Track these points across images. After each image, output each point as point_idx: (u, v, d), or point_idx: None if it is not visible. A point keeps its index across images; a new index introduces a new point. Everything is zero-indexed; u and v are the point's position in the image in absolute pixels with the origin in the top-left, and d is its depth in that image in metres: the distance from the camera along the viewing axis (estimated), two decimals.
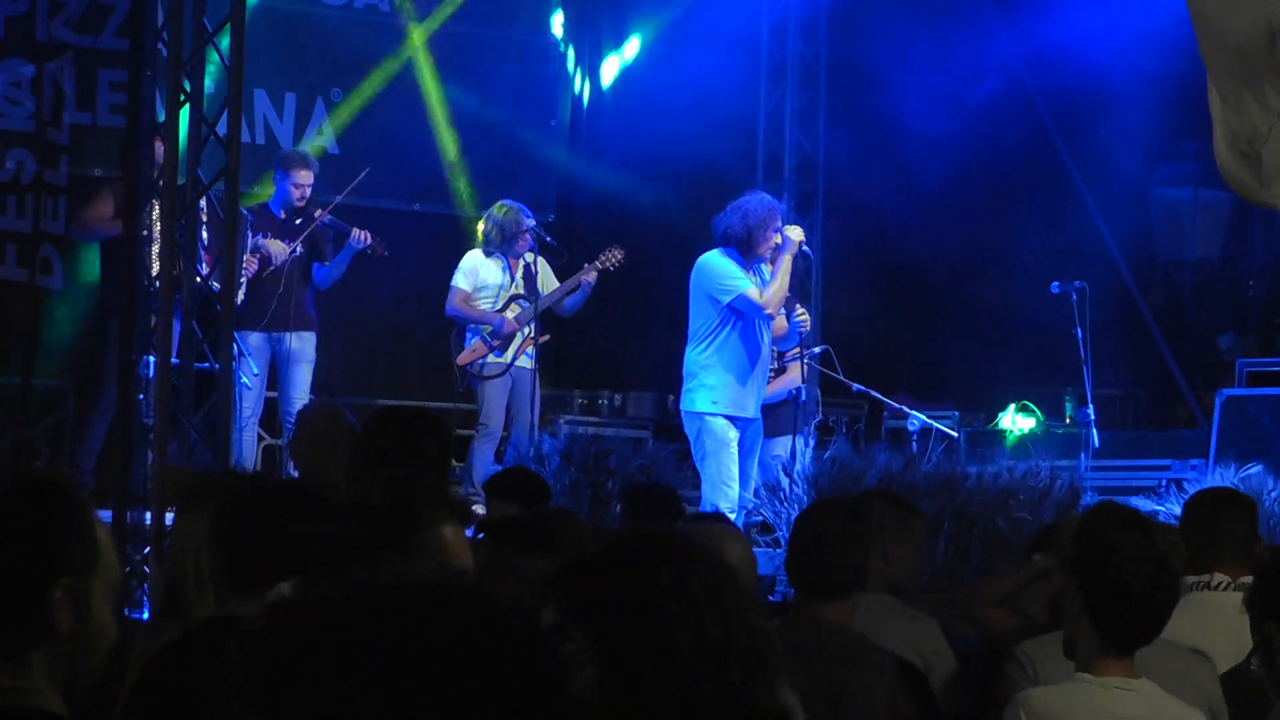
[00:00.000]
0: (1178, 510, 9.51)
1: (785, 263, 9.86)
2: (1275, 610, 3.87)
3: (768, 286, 9.83)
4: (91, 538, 2.37)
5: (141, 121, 9.05)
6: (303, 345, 10.95)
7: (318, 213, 11.03)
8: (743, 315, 9.83)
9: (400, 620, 1.64)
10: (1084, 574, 4.32)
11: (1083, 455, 11.32)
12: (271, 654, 1.64)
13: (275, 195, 11.11)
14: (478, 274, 11.21)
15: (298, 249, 10.91)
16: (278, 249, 10.81)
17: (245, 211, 10.41)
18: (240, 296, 10.15)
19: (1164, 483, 10.98)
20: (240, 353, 9.95)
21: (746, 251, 9.86)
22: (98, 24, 11.33)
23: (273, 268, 10.78)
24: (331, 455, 7.15)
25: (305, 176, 11.00)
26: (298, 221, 10.99)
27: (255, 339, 10.72)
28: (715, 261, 9.90)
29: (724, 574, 2.39)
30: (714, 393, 9.82)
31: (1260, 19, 6.15)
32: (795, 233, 9.99)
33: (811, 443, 10.50)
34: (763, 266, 10.01)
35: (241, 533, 3.75)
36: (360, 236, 10.99)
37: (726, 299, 9.82)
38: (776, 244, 9.91)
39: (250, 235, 10.68)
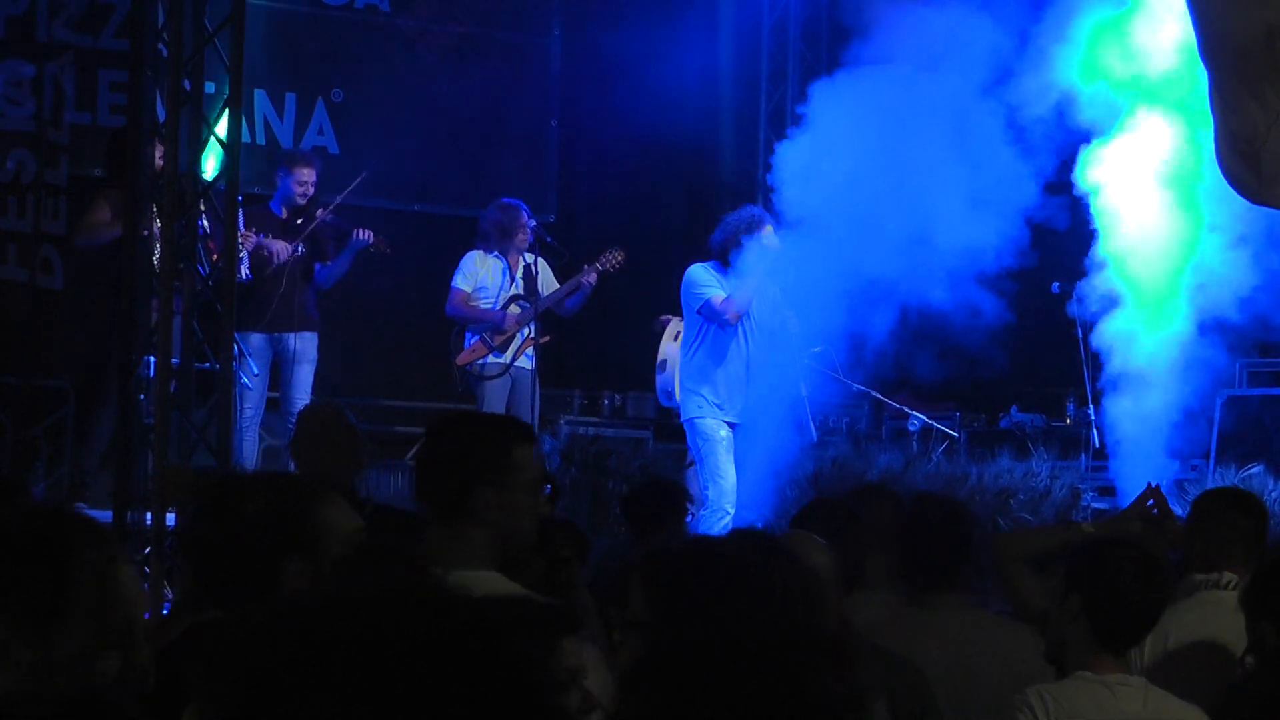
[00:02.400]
0: (1179, 511, 9.51)
1: (754, 276, 9.96)
2: (1268, 610, 3.89)
3: (730, 295, 9.94)
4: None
5: (141, 121, 9.05)
6: (305, 346, 10.95)
7: (319, 211, 11.03)
8: (715, 321, 9.99)
9: (374, 627, 1.64)
10: (1081, 575, 4.35)
11: (1083, 455, 11.32)
12: (248, 664, 1.65)
13: (277, 194, 11.10)
14: (477, 274, 11.22)
15: (300, 248, 10.91)
16: (280, 247, 10.81)
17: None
18: (243, 271, 10.14)
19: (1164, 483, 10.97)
20: (240, 353, 9.94)
21: (723, 256, 10.03)
22: (98, 24, 11.33)
23: (273, 268, 10.77)
24: (332, 454, 7.17)
25: (308, 174, 11.01)
26: (299, 221, 10.99)
27: (257, 340, 10.72)
28: (691, 272, 10.16)
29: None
30: (698, 396, 9.99)
31: (1260, 19, 6.15)
32: (770, 241, 10.05)
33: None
34: None
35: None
36: (363, 234, 11.02)
37: (695, 306, 10.00)
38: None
39: (253, 234, 10.67)
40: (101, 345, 10.15)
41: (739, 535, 2.83)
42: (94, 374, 10.36)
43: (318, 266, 11.06)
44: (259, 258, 10.73)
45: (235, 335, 9.31)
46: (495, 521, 3.92)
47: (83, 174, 11.10)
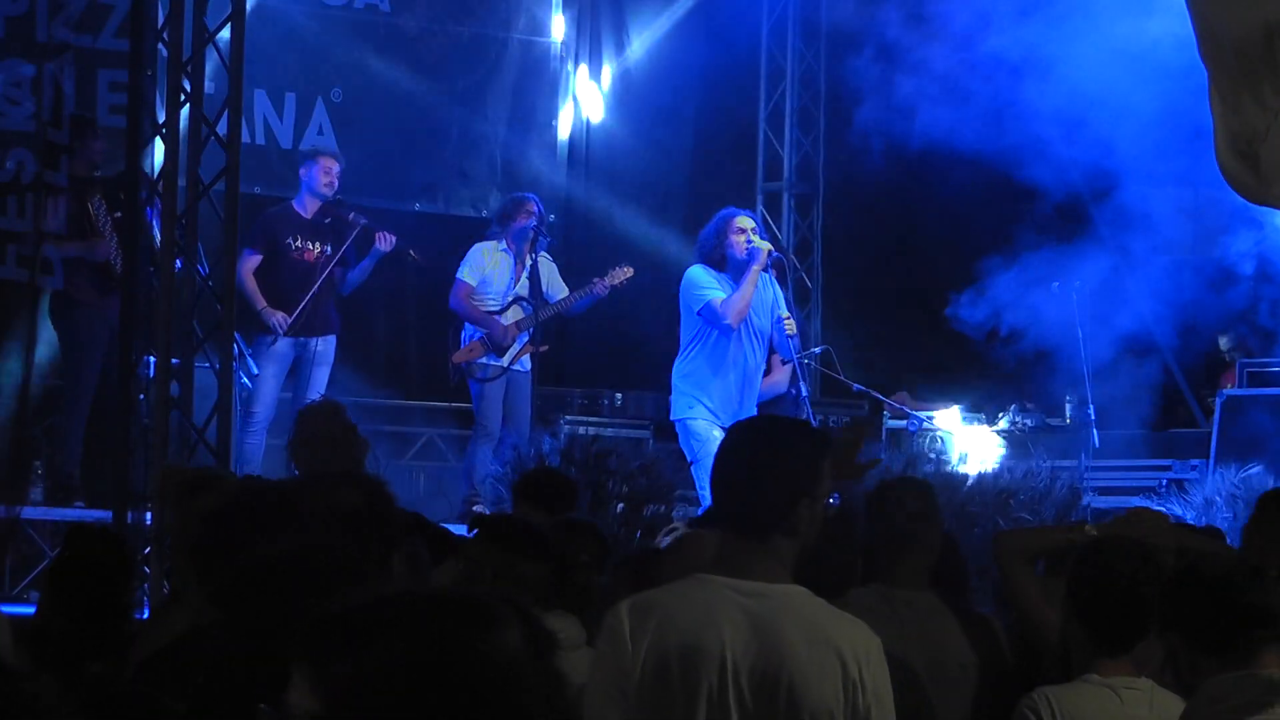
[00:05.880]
0: (1178, 510, 9.51)
1: (750, 276, 9.95)
2: (1177, 621, 3.85)
3: (729, 297, 9.93)
4: None
5: (141, 121, 9.06)
6: (326, 349, 11.04)
7: (351, 215, 11.05)
8: (715, 325, 9.98)
9: None
10: (1073, 578, 4.32)
11: (1083, 455, 11.31)
12: None
13: (301, 191, 11.10)
14: (483, 269, 11.22)
15: (328, 250, 10.96)
16: (279, 319, 10.83)
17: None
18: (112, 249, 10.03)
19: (1164, 483, 10.98)
20: (240, 353, 9.95)
21: (715, 263, 10.03)
22: (98, 24, 11.31)
23: (301, 268, 10.82)
24: (331, 453, 7.15)
25: (332, 164, 11.07)
26: (327, 220, 11.03)
27: (282, 344, 10.77)
28: (691, 273, 10.15)
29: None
30: (692, 398, 10.01)
31: (1258, 19, 6.15)
32: (763, 245, 10.06)
33: None
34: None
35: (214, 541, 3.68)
36: (385, 242, 11.03)
37: (696, 308, 10.01)
38: (744, 253, 10.00)
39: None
40: (86, 343, 10.18)
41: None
42: (72, 375, 10.38)
43: (339, 273, 11.10)
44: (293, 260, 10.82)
45: (237, 335, 9.32)
46: (806, 534, 3.80)
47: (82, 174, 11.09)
